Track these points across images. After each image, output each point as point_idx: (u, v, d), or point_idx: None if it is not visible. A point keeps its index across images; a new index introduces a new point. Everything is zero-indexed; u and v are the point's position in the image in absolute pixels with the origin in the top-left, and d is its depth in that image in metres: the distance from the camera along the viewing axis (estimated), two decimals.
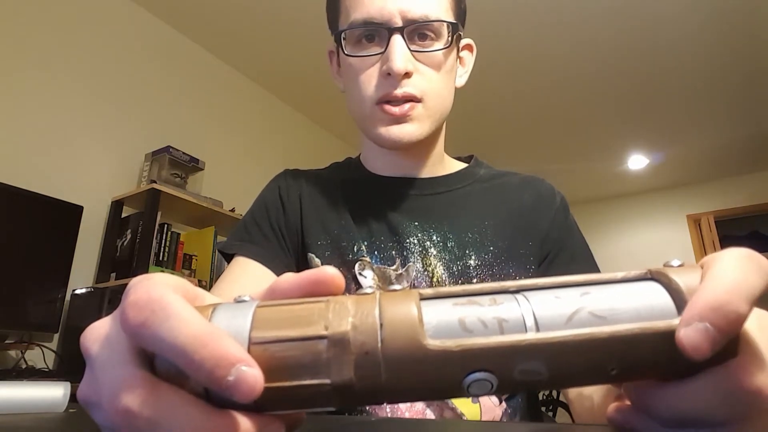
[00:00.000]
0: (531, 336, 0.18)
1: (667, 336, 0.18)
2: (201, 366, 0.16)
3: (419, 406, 0.51)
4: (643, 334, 0.18)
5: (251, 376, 0.16)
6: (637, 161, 3.93)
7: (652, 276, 0.20)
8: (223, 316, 0.19)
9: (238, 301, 0.20)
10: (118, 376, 0.17)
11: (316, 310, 0.19)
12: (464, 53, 0.65)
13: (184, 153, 2.11)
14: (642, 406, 0.21)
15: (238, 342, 0.17)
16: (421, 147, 0.61)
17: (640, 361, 0.19)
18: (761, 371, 0.18)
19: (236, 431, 0.18)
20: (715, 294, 0.17)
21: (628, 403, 0.23)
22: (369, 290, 0.20)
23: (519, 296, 0.20)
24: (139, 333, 0.17)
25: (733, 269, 0.18)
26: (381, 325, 0.18)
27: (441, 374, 0.18)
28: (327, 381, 0.18)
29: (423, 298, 0.20)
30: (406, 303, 0.19)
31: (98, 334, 0.19)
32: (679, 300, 0.19)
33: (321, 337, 0.18)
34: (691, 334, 0.17)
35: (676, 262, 0.20)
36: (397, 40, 0.53)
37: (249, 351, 0.18)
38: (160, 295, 0.18)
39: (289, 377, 0.18)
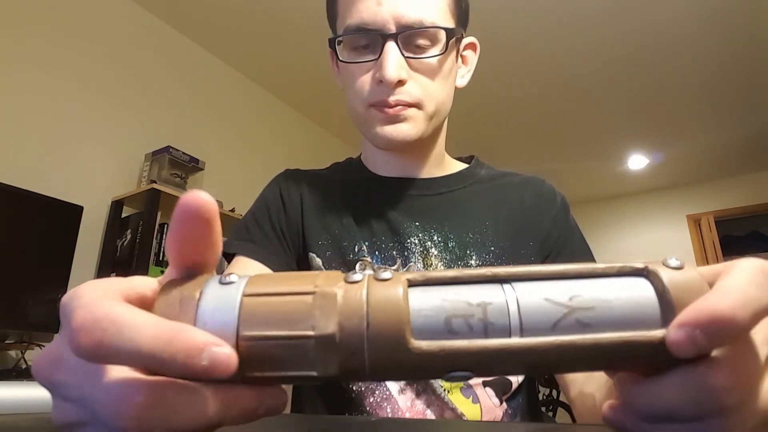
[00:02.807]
0: (514, 342, 0.19)
1: (648, 345, 0.19)
2: (174, 362, 0.16)
3: (419, 406, 0.51)
4: (625, 343, 0.19)
5: (223, 354, 0.17)
6: (637, 161, 3.93)
7: (647, 274, 0.20)
8: (209, 309, 0.19)
9: (224, 282, 0.20)
10: (111, 388, 0.17)
11: (303, 306, 0.19)
12: (467, 52, 0.64)
13: (184, 153, 2.11)
14: (625, 401, 0.22)
15: (226, 337, 0.18)
16: (421, 147, 0.61)
17: (618, 364, 0.20)
18: (730, 371, 0.18)
19: (249, 402, 0.19)
20: (717, 304, 0.17)
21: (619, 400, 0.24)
22: (358, 276, 0.20)
23: (509, 290, 0.20)
24: (98, 354, 0.17)
25: (744, 280, 0.19)
26: (367, 325, 0.18)
27: (423, 371, 0.19)
28: (313, 373, 0.19)
29: (412, 285, 0.20)
30: (393, 299, 0.19)
31: (54, 359, 0.19)
32: (666, 307, 0.19)
33: (308, 338, 0.18)
34: (678, 336, 0.17)
35: (674, 262, 0.20)
36: (390, 47, 0.52)
37: (237, 345, 0.18)
38: (105, 310, 0.17)
39: (275, 369, 0.19)
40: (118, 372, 0.18)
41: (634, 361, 0.20)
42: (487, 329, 0.19)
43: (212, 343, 0.17)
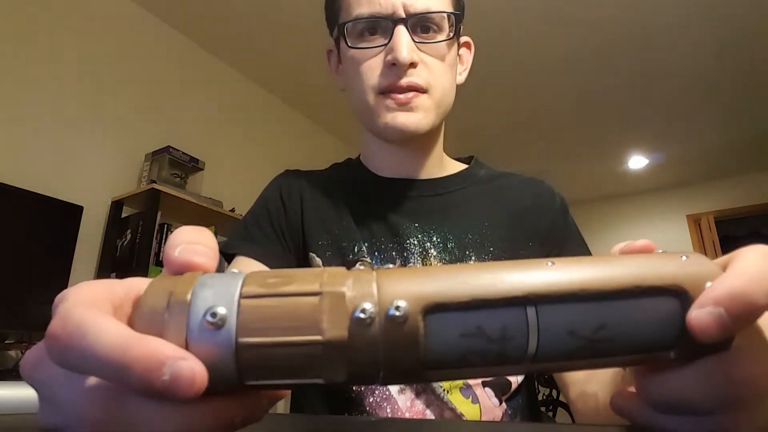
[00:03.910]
0: (521, 366, 0.19)
1: (657, 361, 0.19)
2: (130, 373, 0.15)
3: (419, 406, 0.51)
4: (630, 363, 0.19)
5: (187, 368, 0.15)
6: (637, 161, 3.93)
7: (684, 298, 0.19)
8: (203, 314, 0.17)
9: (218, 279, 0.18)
10: (77, 392, 0.17)
11: (309, 308, 0.17)
12: (463, 50, 0.65)
13: (184, 153, 2.11)
14: (639, 390, 0.22)
15: (222, 345, 0.16)
16: (421, 145, 0.61)
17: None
18: (751, 364, 0.18)
19: (224, 413, 0.17)
20: (735, 283, 0.18)
21: (630, 389, 0.24)
22: (369, 313, 0.17)
23: (532, 318, 0.18)
24: (65, 360, 0.16)
25: (757, 263, 0.19)
26: (381, 374, 0.18)
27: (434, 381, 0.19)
28: (319, 381, 0.18)
29: (428, 312, 0.18)
30: (409, 347, 0.18)
31: (37, 360, 0.19)
32: (684, 331, 0.18)
33: (315, 343, 0.17)
34: (702, 316, 0.17)
35: (708, 285, 0.19)
36: (401, 30, 0.53)
37: (235, 354, 0.17)
38: (75, 315, 0.17)
39: (278, 377, 0.18)
40: (92, 377, 0.17)
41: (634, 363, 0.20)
42: (501, 360, 0.18)
43: (176, 357, 0.15)
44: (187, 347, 0.16)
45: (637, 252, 0.22)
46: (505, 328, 0.18)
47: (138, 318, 0.17)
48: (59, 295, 0.18)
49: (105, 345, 0.15)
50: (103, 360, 0.15)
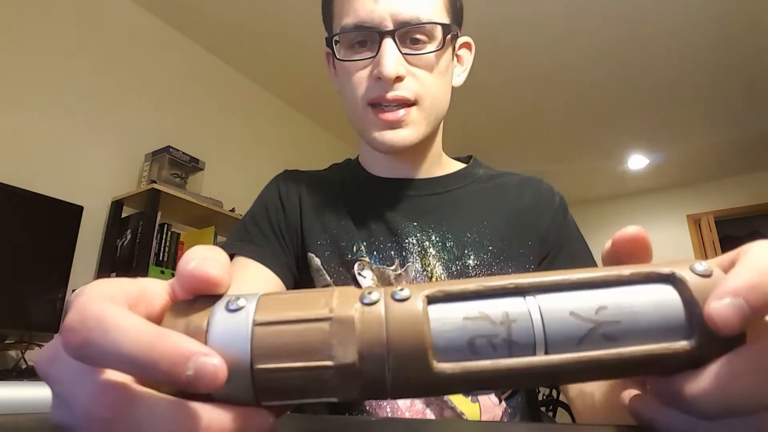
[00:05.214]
0: (538, 360, 0.18)
1: (673, 356, 0.18)
2: (156, 368, 0.16)
3: (419, 405, 0.51)
4: (650, 356, 0.19)
5: (211, 365, 0.16)
6: (637, 161, 3.93)
7: (674, 281, 0.19)
8: (219, 342, 0.18)
9: (232, 309, 0.19)
10: (86, 389, 0.17)
11: (320, 335, 0.18)
12: (462, 51, 0.65)
13: (184, 153, 2.11)
14: (671, 399, 0.20)
15: (240, 370, 0.17)
16: (418, 148, 0.61)
17: (641, 373, 0.20)
18: None
19: (218, 425, 0.17)
20: (752, 274, 0.18)
21: (631, 390, 0.23)
22: (375, 295, 0.19)
23: (532, 304, 0.19)
24: (83, 354, 0.16)
25: (765, 256, 0.19)
26: (388, 352, 0.18)
27: (446, 390, 0.19)
28: (333, 400, 0.18)
29: (431, 301, 0.19)
30: (414, 323, 0.18)
31: (51, 356, 0.19)
32: (693, 317, 0.19)
33: (326, 368, 0.18)
34: (722, 308, 0.17)
35: (700, 267, 0.19)
36: (387, 44, 0.52)
37: (252, 378, 0.17)
38: (94, 310, 0.17)
39: (293, 398, 0.18)
40: (102, 375, 0.17)
41: (657, 370, 0.20)
42: (511, 348, 0.18)
43: (200, 353, 0.16)
44: None
45: (629, 238, 0.22)
46: (507, 313, 0.19)
47: None
48: (76, 291, 0.19)
49: (130, 340, 0.16)
50: (128, 355, 0.16)
